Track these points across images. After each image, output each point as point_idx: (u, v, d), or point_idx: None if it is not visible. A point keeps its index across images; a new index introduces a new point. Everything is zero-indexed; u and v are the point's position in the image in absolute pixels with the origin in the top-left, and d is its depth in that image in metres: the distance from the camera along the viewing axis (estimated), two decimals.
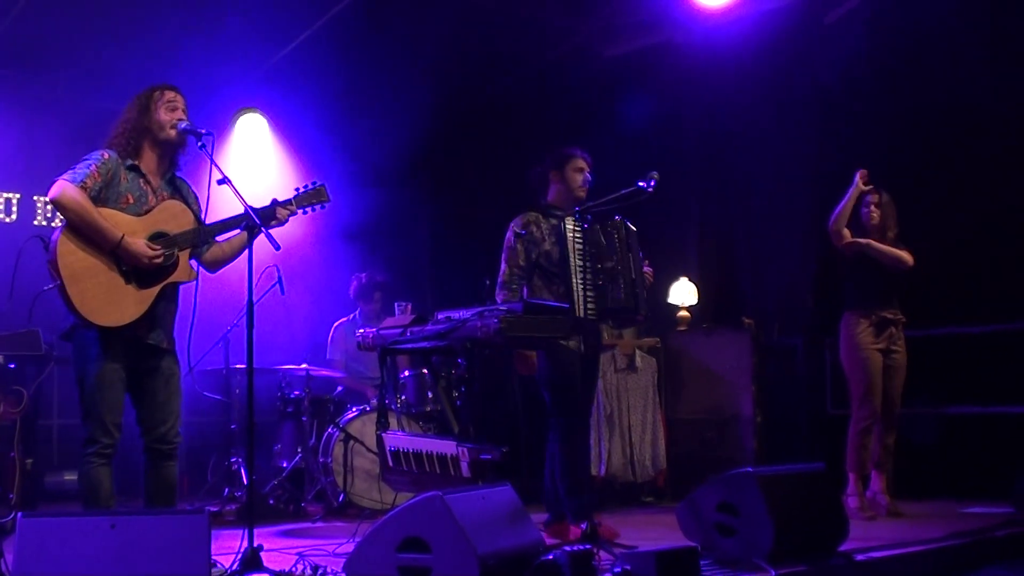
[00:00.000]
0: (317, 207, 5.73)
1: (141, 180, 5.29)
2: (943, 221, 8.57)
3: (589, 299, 6.27)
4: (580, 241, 6.30)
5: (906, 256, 7.67)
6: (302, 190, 5.69)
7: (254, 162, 10.73)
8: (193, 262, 5.40)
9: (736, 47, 9.60)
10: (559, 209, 6.61)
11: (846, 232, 7.70)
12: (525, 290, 6.44)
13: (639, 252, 6.47)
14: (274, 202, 5.54)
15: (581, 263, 6.27)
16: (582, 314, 6.25)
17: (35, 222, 10.15)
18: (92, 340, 5.09)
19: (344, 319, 9.44)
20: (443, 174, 10.93)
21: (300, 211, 5.64)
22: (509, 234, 6.51)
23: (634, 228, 6.50)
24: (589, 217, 6.31)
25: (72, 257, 5.02)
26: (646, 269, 6.57)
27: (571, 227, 6.40)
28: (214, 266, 5.59)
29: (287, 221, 5.58)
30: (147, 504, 5.28)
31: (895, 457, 7.76)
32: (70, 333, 5.19)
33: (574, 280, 6.31)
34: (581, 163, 6.66)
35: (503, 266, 6.54)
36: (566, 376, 6.45)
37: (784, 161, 9.81)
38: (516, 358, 6.49)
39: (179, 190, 5.46)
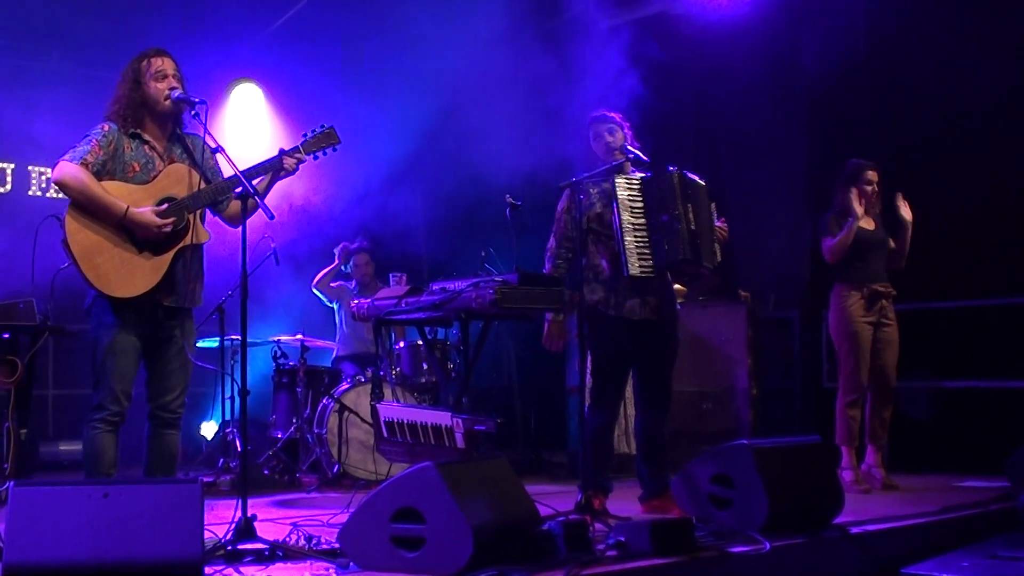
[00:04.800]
0: (328, 150, 5.54)
1: (146, 147, 5.28)
2: (940, 194, 8.54)
3: (643, 256, 6.06)
4: (631, 198, 6.13)
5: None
6: (310, 135, 5.50)
7: (249, 131, 10.70)
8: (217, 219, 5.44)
9: (732, 20, 9.54)
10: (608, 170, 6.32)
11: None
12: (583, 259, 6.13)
13: (707, 204, 6.26)
14: (281, 152, 5.41)
15: (631, 220, 6.10)
16: (636, 272, 6.04)
17: (29, 192, 10.13)
18: (108, 309, 5.12)
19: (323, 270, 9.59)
20: (439, 144, 10.89)
21: (310, 157, 5.47)
22: (559, 204, 6.32)
23: (699, 181, 6.27)
24: (647, 173, 6.22)
25: (81, 234, 5.04)
26: (718, 223, 6.36)
27: (622, 184, 6.17)
28: (234, 220, 5.44)
29: (297, 170, 5.43)
30: (147, 471, 5.30)
31: (891, 430, 7.75)
32: (89, 307, 5.21)
33: (625, 238, 6.06)
34: (599, 128, 6.41)
35: (550, 239, 6.38)
36: (598, 344, 6.26)
37: (779, 134, 9.77)
38: (546, 334, 6.34)
39: (189, 149, 5.41)
